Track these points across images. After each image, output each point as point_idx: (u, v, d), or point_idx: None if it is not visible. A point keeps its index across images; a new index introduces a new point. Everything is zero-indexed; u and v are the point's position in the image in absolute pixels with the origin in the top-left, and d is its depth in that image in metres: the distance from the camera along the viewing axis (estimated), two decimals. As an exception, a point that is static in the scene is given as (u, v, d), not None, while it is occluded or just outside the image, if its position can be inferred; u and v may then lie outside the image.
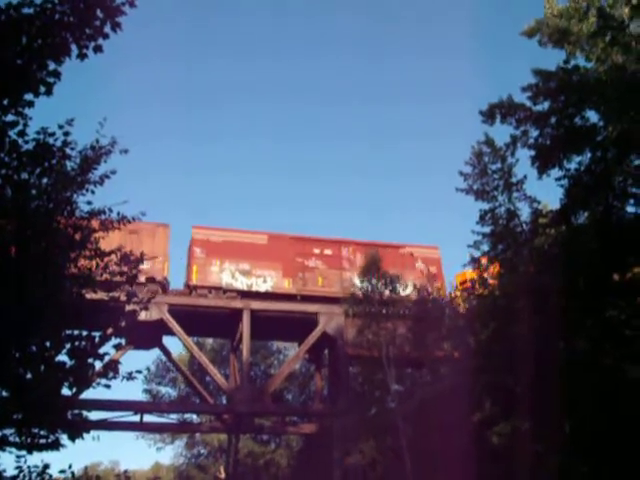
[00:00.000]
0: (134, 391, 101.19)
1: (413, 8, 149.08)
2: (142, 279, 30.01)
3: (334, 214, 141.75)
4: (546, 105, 20.02)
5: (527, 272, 20.64)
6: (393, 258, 32.21)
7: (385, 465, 27.42)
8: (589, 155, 19.16)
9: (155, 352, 42.80)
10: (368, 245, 33.79)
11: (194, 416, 44.90)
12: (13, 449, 11.51)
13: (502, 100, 20.97)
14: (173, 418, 34.53)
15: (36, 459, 11.95)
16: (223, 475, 48.69)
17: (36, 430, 11.45)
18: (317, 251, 33.86)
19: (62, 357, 11.31)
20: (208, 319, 32.83)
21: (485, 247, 22.87)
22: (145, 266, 30.61)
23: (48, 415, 10.92)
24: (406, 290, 28.81)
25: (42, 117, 10.49)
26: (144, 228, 31.47)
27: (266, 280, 32.20)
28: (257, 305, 31.80)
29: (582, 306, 18.33)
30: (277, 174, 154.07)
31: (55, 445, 11.63)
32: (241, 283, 31.95)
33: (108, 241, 30.10)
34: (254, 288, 31.92)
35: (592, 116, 19.34)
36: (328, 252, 33.64)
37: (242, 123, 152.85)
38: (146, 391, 50.04)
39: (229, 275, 31.90)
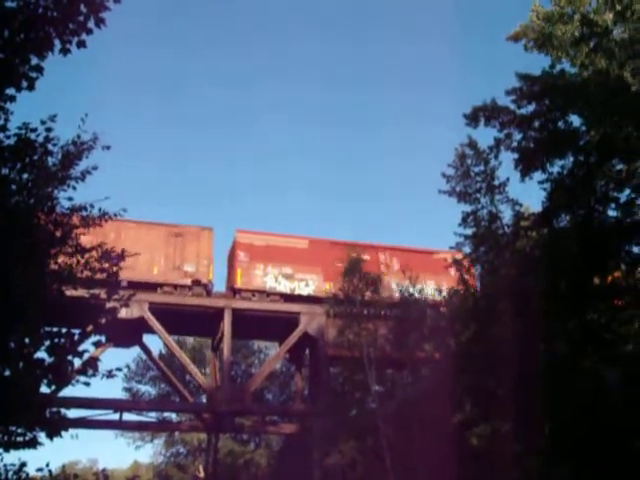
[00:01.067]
0: (114, 389, 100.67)
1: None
2: (188, 282, 30.99)
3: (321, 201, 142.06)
4: (530, 109, 20.16)
5: (508, 274, 20.73)
6: (427, 264, 32.35)
7: (365, 465, 27.42)
8: (572, 159, 19.31)
9: (135, 350, 42.66)
10: (404, 250, 34.41)
11: (174, 415, 44.74)
12: (-11, 447, 11.42)
13: (486, 103, 21.07)
14: (152, 417, 34.36)
15: (13, 457, 11.86)
16: (202, 474, 48.57)
17: (13, 428, 11.36)
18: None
19: (41, 354, 11.24)
20: (189, 318, 32.71)
21: (467, 249, 22.99)
22: (190, 269, 31.24)
23: (26, 413, 10.82)
24: (437, 294, 29.01)
25: (24, 111, 10.40)
26: (188, 231, 32.44)
27: (308, 284, 32.51)
28: (239, 304, 31.74)
29: (563, 309, 18.43)
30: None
31: (32, 443, 11.53)
32: (284, 287, 32.26)
33: (152, 242, 30.30)
34: (297, 292, 32.08)
35: (575, 120, 19.51)
36: (366, 257, 33.99)
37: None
38: (126, 389, 49.95)
39: (272, 279, 32.21)
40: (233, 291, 32.28)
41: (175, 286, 31.36)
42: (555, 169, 19.58)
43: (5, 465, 11.61)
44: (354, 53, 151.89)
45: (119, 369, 12.28)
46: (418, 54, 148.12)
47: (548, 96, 19.46)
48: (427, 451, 23.55)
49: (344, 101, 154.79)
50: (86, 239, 30.22)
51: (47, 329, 11.21)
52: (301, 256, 32.56)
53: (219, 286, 33.97)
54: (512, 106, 20.59)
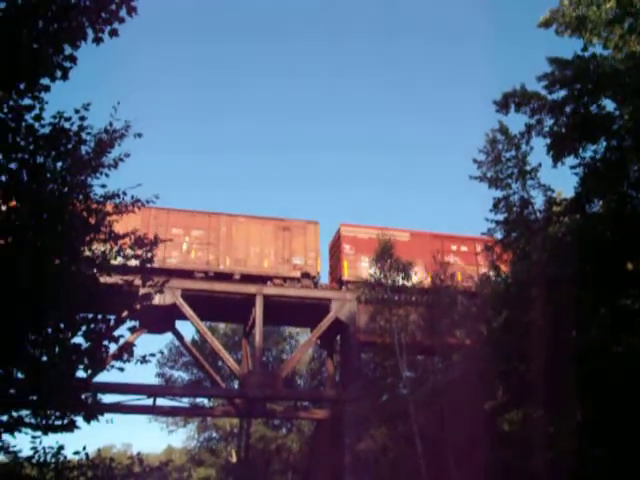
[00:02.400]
0: (147, 375, 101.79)
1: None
2: (297, 274, 32.01)
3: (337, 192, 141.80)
4: (561, 94, 19.89)
5: (540, 260, 20.58)
6: None
7: (396, 451, 27.47)
8: (605, 144, 19.06)
9: (168, 336, 43.09)
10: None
11: (206, 400, 45.16)
12: (28, 430, 11.64)
13: (516, 89, 20.87)
14: (185, 402, 34.69)
15: (51, 440, 12.08)
16: (235, 459, 49.06)
17: (51, 412, 11.57)
18: (454, 248, 35.03)
19: (77, 339, 11.42)
20: (221, 304, 32.96)
21: (498, 235, 22.87)
22: (299, 262, 32.03)
23: (63, 397, 11.02)
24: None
25: (57, 101, 10.54)
26: (295, 225, 33.66)
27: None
28: (270, 290, 31.93)
29: (595, 295, 18.30)
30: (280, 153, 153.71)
31: (70, 427, 11.75)
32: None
33: (261, 236, 31.23)
34: (400, 283, 32.30)
35: (608, 104, 19.22)
36: (464, 249, 34.49)
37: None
38: (159, 375, 50.38)
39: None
40: (340, 282, 33.09)
41: (285, 278, 32.39)
42: (588, 154, 19.37)
43: (44, 448, 11.84)
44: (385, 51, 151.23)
45: (153, 355, 12.44)
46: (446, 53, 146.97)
47: (580, 80, 19.20)
48: (458, 437, 23.56)
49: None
50: (197, 233, 30.91)
51: (83, 315, 11.39)
52: (402, 248, 32.47)
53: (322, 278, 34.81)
54: (543, 92, 20.38)
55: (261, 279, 31.89)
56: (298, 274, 32.32)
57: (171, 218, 32.49)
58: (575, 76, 19.20)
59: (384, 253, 28.43)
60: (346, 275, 32.62)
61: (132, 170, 14.12)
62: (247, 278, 31.04)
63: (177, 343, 44.93)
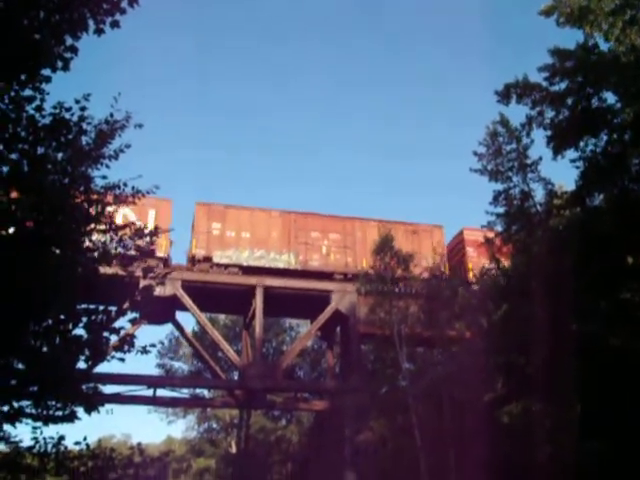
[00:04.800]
0: (147, 366, 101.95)
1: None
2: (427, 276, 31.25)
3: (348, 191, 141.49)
4: (562, 86, 19.88)
5: (541, 253, 20.60)
6: None
7: (396, 443, 27.55)
8: (605, 137, 19.04)
9: (168, 327, 43.14)
10: None
11: (206, 391, 45.24)
12: (29, 420, 11.69)
13: (518, 80, 20.83)
14: (185, 393, 34.77)
15: (52, 431, 12.14)
16: (234, 450, 49.17)
17: (52, 402, 11.61)
18: None
19: (78, 331, 11.45)
20: (221, 296, 33.00)
21: (499, 228, 22.87)
22: (427, 264, 31.93)
23: (64, 388, 11.05)
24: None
25: (58, 92, 10.52)
26: (423, 229, 35.01)
27: None
28: (270, 282, 31.95)
29: (596, 288, 18.30)
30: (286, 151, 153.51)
31: (70, 417, 11.79)
32: None
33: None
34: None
35: (609, 97, 19.20)
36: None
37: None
38: (159, 366, 50.51)
39: None
40: (468, 283, 32.94)
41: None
42: (589, 147, 19.36)
43: (44, 438, 11.90)
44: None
45: (153, 345, 12.46)
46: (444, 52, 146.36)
47: (581, 72, 19.17)
48: (457, 429, 23.62)
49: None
50: (334, 237, 31.23)
51: (84, 306, 11.41)
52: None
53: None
54: (544, 83, 20.34)
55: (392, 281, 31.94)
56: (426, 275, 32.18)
57: (309, 222, 33.76)
58: (577, 67, 19.17)
59: (384, 245, 28.41)
60: (471, 276, 32.56)
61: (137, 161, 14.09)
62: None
63: (177, 334, 45.01)
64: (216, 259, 32.00)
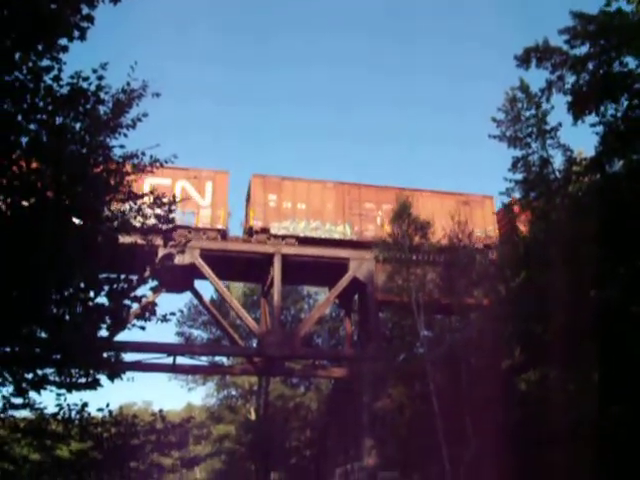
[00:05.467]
0: (167, 334, 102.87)
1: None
2: (480, 246, 31.76)
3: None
4: (583, 49, 19.55)
5: (560, 220, 20.47)
6: None
7: (413, 410, 27.72)
8: (626, 102, 18.79)
9: (187, 296, 43.41)
10: None
11: (225, 359, 45.59)
12: (53, 388, 11.89)
13: (538, 44, 20.52)
14: (205, 360, 35.15)
15: (75, 398, 12.39)
16: (253, 416, 49.66)
17: (75, 370, 11.79)
18: None
19: (100, 299, 11.57)
20: (239, 264, 33.15)
21: (517, 195, 22.71)
22: (479, 234, 32.84)
23: (86, 356, 11.20)
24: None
25: (76, 62, 10.51)
26: (473, 199, 35.28)
27: None
28: (288, 250, 32.04)
29: (614, 255, 18.19)
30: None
31: (93, 385, 11.98)
32: None
33: (445, 210, 31.43)
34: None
35: (631, 62, 18.90)
36: None
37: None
38: (179, 334, 50.84)
39: None
40: None
41: None
42: (609, 112, 19.11)
43: (68, 405, 12.13)
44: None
45: (173, 314, 12.58)
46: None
47: (603, 36, 18.85)
48: (475, 396, 23.70)
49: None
50: (387, 207, 33.06)
51: (106, 275, 11.50)
52: None
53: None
54: (565, 47, 20.02)
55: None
56: (481, 246, 32.26)
57: (363, 193, 34.14)
58: (598, 31, 18.84)
59: (402, 212, 28.33)
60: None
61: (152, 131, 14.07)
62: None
63: (196, 302, 45.29)
64: (273, 230, 32.42)
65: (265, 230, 32.40)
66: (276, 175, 33.90)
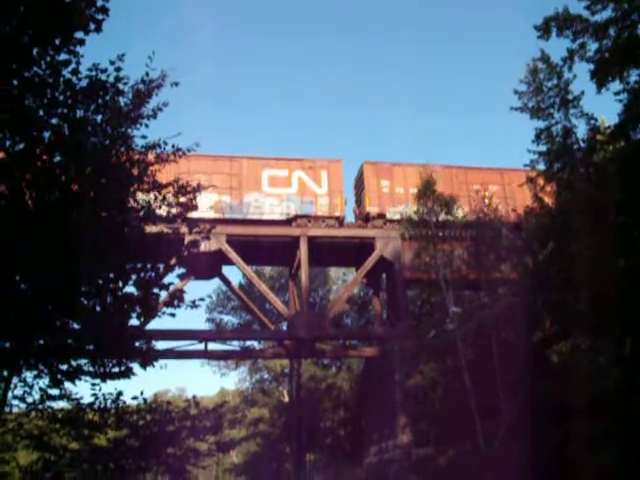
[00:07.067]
0: (198, 321, 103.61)
1: None
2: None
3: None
4: (605, 15, 19.25)
5: (585, 189, 20.28)
6: None
7: (445, 386, 27.71)
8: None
9: (215, 282, 43.62)
10: None
11: (256, 343, 45.89)
12: (88, 378, 12.08)
13: (558, 12, 20.25)
14: (236, 345, 35.37)
15: (110, 387, 12.56)
16: (286, 399, 49.96)
17: (108, 360, 11.96)
18: None
19: (129, 289, 11.70)
20: (266, 248, 33.27)
21: (541, 166, 22.53)
22: None
23: (118, 345, 11.36)
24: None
25: (94, 55, 10.58)
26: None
27: None
28: (314, 232, 32.11)
29: (641, 221, 18.04)
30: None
31: (127, 373, 12.16)
32: None
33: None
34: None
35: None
36: None
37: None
38: (209, 320, 51.17)
39: None
40: None
41: None
42: (632, 78, 18.86)
43: (103, 394, 12.33)
44: None
45: (202, 299, 12.71)
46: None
47: (626, -1, 18.52)
48: (506, 370, 23.63)
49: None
50: (494, 189, 34.22)
51: (133, 264, 11.62)
52: None
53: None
54: (585, 13, 19.72)
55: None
56: None
57: (469, 175, 35.12)
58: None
59: (426, 190, 28.19)
60: None
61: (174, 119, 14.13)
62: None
63: (224, 288, 45.52)
64: (389, 215, 33.33)
65: (381, 215, 33.46)
66: (386, 161, 34.83)
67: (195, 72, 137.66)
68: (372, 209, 33.44)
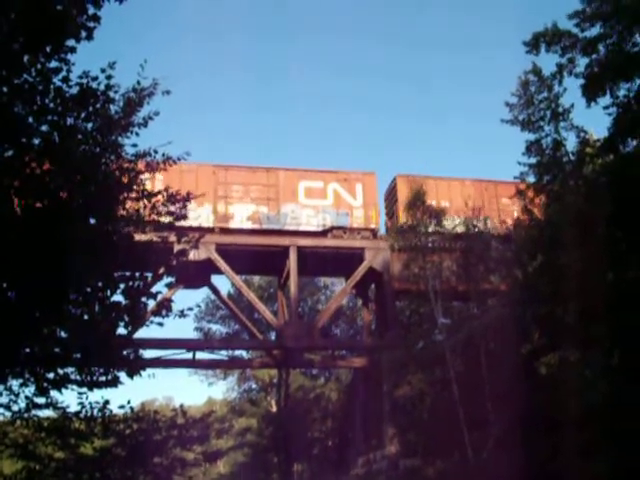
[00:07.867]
0: (186, 329, 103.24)
1: None
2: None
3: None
4: (594, 32, 19.44)
5: (574, 202, 20.38)
6: None
7: (434, 397, 27.71)
8: (638, 81, 18.68)
9: (204, 291, 43.54)
10: None
11: (244, 352, 45.74)
12: (75, 387, 12.00)
13: (547, 28, 20.46)
14: (224, 354, 35.23)
15: (97, 396, 12.48)
16: (274, 409, 49.80)
17: (95, 368, 11.89)
18: None
19: (117, 297, 11.64)
20: (255, 257, 33.21)
21: (531, 179, 22.65)
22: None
23: (106, 354, 11.29)
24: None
25: (85, 62, 10.54)
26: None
27: None
28: (304, 242, 32.08)
29: (630, 236, 18.11)
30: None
31: (114, 382, 12.08)
32: None
33: None
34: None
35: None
36: None
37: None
38: (197, 329, 50.99)
39: None
40: None
41: None
42: (622, 92, 19.01)
43: (90, 403, 12.26)
44: None
45: (190, 309, 12.67)
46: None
47: (615, 16, 18.72)
48: (495, 382, 23.65)
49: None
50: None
51: (121, 273, 11.57)
52: None
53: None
54: (574, 30, 19.91)
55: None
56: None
57: (499, 189, 34.99)
58: (611, 12, 18.69)
59: (416, 200, 28.27)
60: None
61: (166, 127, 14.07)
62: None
63: (213, 297, 45.41)
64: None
65: (414, 227, 32.92)
66: (418, 174, 34.43)
67: (219, 76, 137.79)
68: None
